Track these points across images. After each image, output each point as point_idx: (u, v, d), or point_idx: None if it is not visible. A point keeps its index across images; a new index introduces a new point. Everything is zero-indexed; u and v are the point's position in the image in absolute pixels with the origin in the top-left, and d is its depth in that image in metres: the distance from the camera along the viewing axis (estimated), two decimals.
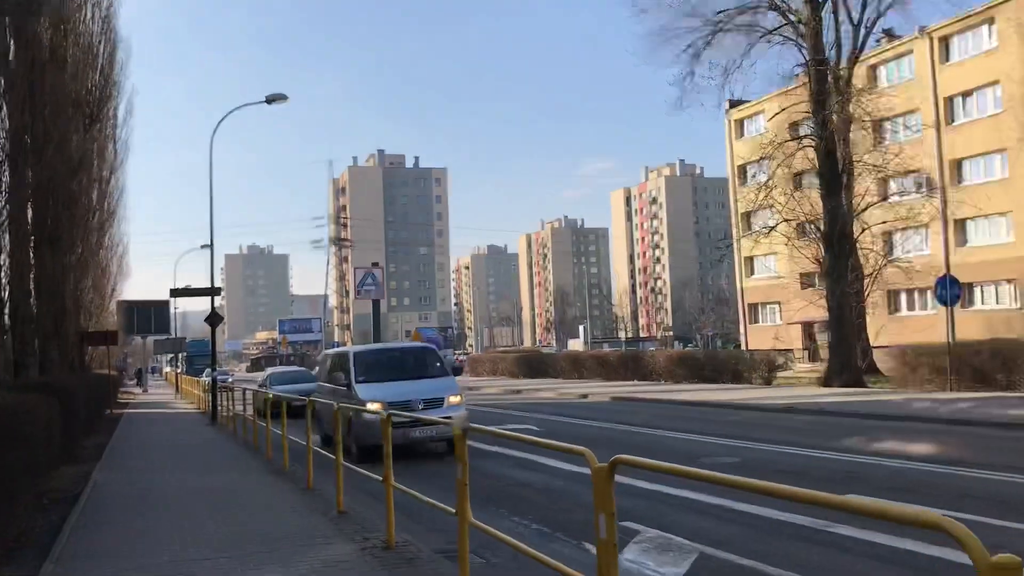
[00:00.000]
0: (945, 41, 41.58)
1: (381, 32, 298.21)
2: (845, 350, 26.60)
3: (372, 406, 13.20)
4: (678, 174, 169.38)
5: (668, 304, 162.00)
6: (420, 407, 13.81)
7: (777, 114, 30.14)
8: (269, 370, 33.85)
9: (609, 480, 3.63)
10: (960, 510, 7.78)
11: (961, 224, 40.78)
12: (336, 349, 18.89)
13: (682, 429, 16.95)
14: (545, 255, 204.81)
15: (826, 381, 26.90)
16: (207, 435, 20.29)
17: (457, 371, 15.67)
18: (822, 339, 52.54)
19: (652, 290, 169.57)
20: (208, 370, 44.93)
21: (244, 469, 13.36)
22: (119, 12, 26.08)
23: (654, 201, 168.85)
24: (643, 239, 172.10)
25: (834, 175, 26.54)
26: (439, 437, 13.71)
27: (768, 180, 28.65)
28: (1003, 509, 7.83)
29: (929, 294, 42.97)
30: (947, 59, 41.65)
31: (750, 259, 57.05)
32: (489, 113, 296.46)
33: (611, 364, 38.75)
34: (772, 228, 30.06)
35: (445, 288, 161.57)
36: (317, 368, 21.83)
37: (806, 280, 51.97)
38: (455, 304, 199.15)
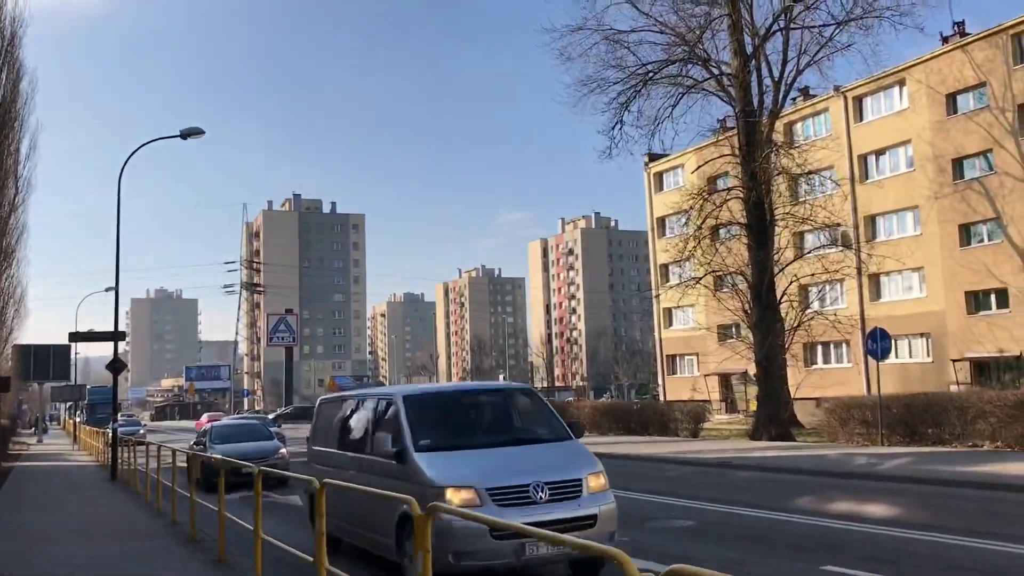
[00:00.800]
0: (859, 100, 42.77)
1: (298, 78, 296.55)
2: (773, 403, 26.35)
3: (456, 495, 7.53)
4: (594, 226, 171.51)
5: (583, 354, 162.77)
6: (543, 497, 7.54)
7: (702, 166, 30.16)
8: (227, 419, 30.03)
9: None
10: None
11: (875, 279, 41.55)
12: (356, 392, 11.52)
13: (620, 486, 16.08)
14: (462, 304, 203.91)
15: (754, 434, 26.59)
16: (106, 494, 18.55)
17: (577, 429, 9.07)
18: (739, 391, 53.03)
19: (568, 340, 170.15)
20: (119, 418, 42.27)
21: (145, 536, 11.92)
22: (24, 42, 24.52)
23: (570, 252, 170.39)
24: (559, 289, 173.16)
25: (762, 227, 26.53)
26: (576, 557, 7.67)
27: (696, 230, 28.47)
28: None
29: (845, 347, 43.63)
30: (861, 118, 42.81)
31: (668, 311, 57.32)
32: (405, 163, 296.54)
33: None
34: (698, 280, 29.85)
35: (360, 336, 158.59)
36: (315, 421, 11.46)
37: (724, 332, 52.46)
38: (370, 353, 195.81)
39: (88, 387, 50.25)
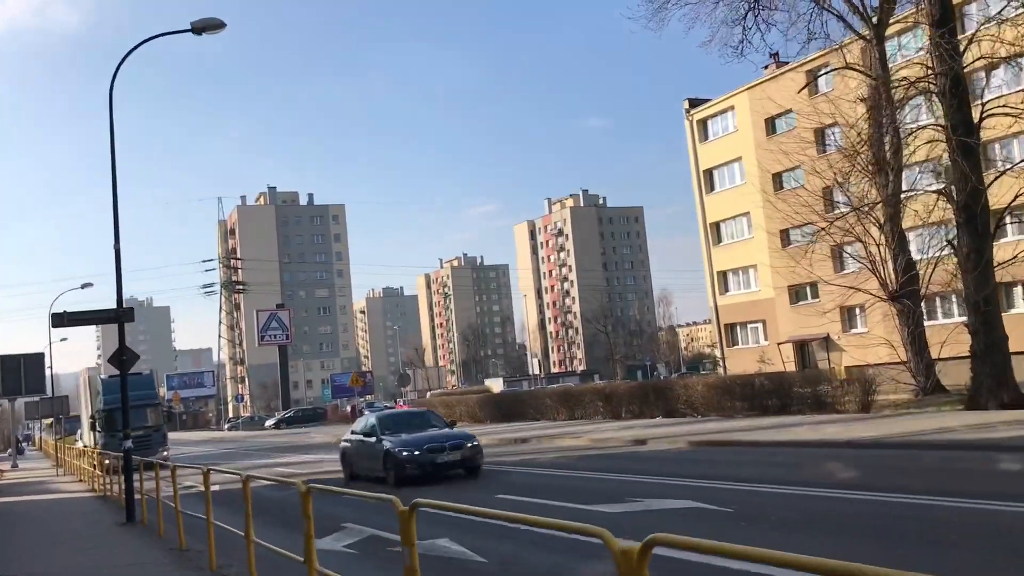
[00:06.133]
0: None
1: (263, 80, 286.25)
2: (998, 360, 19.83)
3: None
4: (582, 204, 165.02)
5: (580, 338, 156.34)
6: None
7: (824, 72, 23.17)
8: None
9: None
10: None
11: None
12: None
13: (943, 492, 9.61)
14: (447, 294, 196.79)
15: (973, 402, 20.13)
16: (129, 556, 11.61)
17: None
18: (821, 358, 46.71)
19: (563, 324, 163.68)
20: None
21: None
22: None
23: (560, 233, 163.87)
24: (550, 272, 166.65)
25: (968, 128, 20.00)
26: None
27: (858, 144, 21.83)
28: None
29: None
30: None
31: (723, 275, 51.01)
32: (375, 158, 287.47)
33: (620, 399, 31.27)
34: (873, 205, 23.16)
35: (348, 333, 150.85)
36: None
37: (796, 293, 46.20)
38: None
39: (101, 377, 33.49)
